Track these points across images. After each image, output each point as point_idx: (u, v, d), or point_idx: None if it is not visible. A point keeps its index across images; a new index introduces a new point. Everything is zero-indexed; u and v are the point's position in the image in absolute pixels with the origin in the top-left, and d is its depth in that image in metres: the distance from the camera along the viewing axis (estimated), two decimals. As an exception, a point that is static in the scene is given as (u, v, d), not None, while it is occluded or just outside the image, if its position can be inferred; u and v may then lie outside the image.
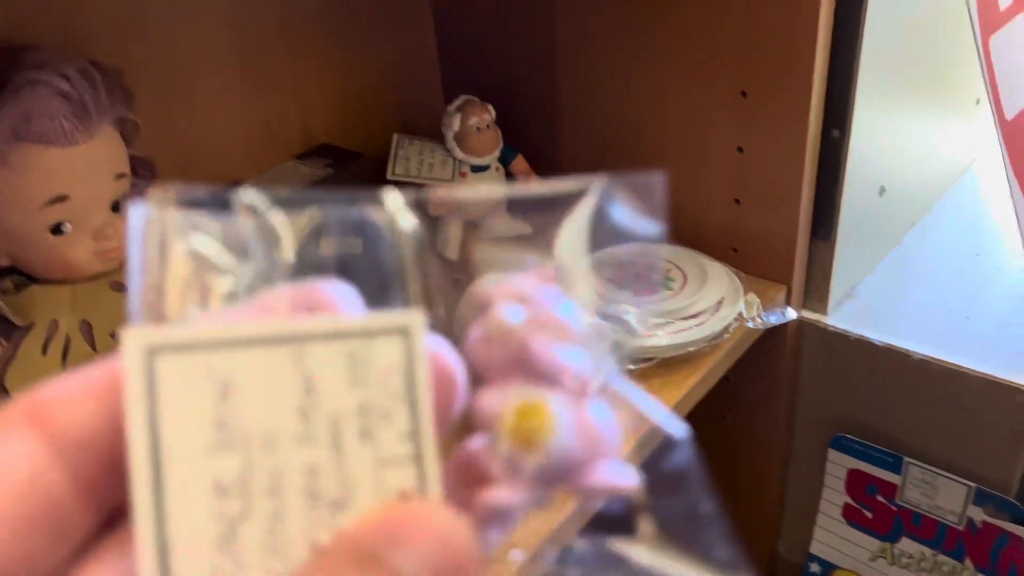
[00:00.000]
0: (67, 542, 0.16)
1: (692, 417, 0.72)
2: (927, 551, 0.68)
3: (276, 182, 0.62)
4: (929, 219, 0.77)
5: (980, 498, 0.63)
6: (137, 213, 0.18)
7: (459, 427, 0.19)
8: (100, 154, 0.48)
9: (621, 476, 0.19)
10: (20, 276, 0.49)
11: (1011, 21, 0.58)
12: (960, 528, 0.66)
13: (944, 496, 0.65)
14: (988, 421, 0.61)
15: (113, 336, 0.51)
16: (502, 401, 0.18)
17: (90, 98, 0.47)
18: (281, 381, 0.16)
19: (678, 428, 0.20)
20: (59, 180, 0.46)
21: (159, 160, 0.54)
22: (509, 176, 0.70)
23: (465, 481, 0.19)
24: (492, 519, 0.18)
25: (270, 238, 0.18)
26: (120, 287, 0.51)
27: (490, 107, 0.67)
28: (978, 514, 0.64)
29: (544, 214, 0.20)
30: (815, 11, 0.53)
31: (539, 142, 0.72)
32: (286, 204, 0.19)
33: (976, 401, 0.61)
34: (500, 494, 0.18)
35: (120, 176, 0.50)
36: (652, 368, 0.55)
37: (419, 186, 0.67)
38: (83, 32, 0.55)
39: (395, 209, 0.19)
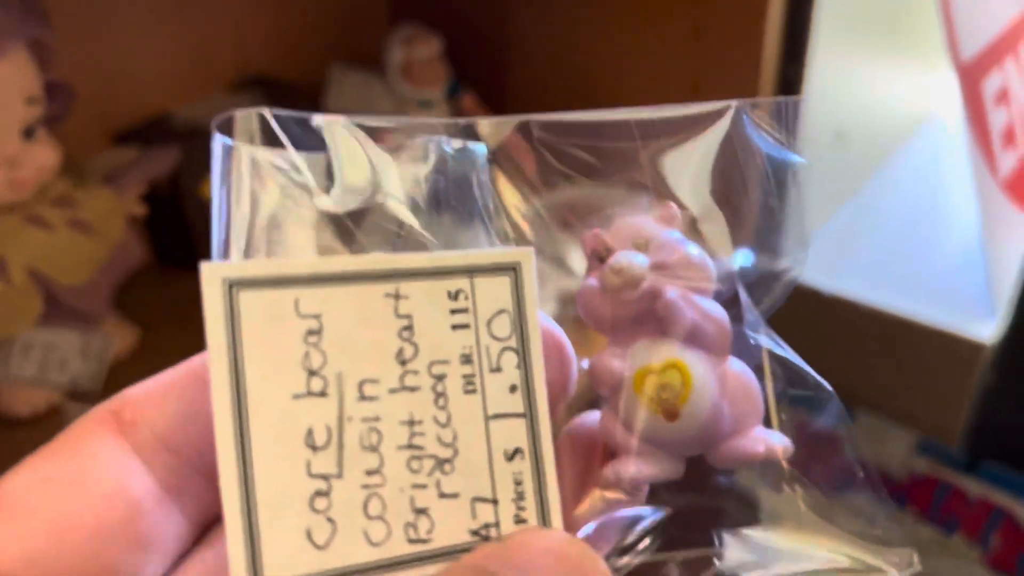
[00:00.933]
0: (157, 553, 0.15)
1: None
2: (870, 500, 0.69)
3: (204, 115, 0.59)
4: (889, 167, 0.76)
5: (924, 448, 0.64)
6: (221, 145, 0.16)
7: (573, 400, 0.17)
8: (9, 76, 0.45)
9: (771, 442, 0.16)
10: (-74, 206, 0.47)
11: (974, -41, 0.56)
12: (903, 478, 0.66)
13: (890, 446, 0.65)
14: (935, 372, 0.61)
15: (30, 273, 0.48)
16: (630, 362, 0.16)
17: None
18: (376, 322, 0.14)
19: (824, 386, 0.17)
20: (-38, 103, 0.44)
21: (78, 88, 0.51)
22: (457, 114, 0.68)
23: (584, 457, 0.17)
24: (618, 497, 0.16)
25: (365, 174, 0.16)
26: (37, 220, 0.49)
27: (437, 38, 0.64)
28: (921, 464, 0.64)
29: (655, 144, 0.18)
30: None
31: (487, 79, 0.69)
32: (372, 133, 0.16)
33: (924, 352, 0.61)
34: (632, 467, 0.15)
35: (32, 101, 0.47)
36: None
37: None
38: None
39: (485, 137, 0.17)
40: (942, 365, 0.60)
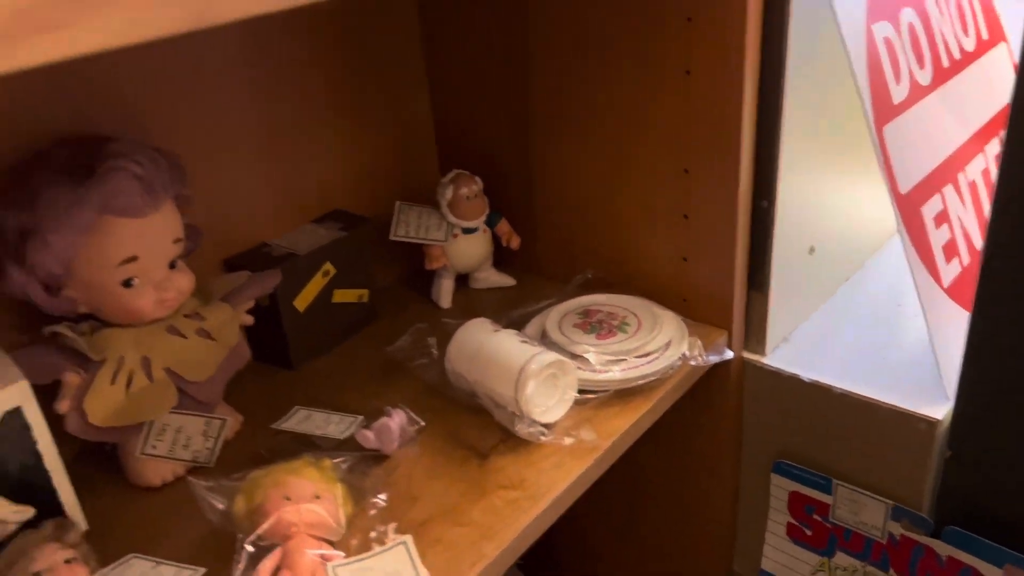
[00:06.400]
0: None
1: (654, 444, 0.83)
2: (857, 563, 0.79)
3: (296, 243, 0.74)
4: (860, 275, 0.89)
5: (897, 514, 0.74)
6: None
7: None
8: (163, 223, 0.60)
9: None
10: (95, 321, 0.61)
11: (903, 113, 0.70)
12: (883, 541, 0.76)
13: (867, 513, 0.76)
14: (899, 446, 0.72)
15: (168, 371, 0.62)
16: None
17: (157, 179, 0.59)
18: None
19: None
20: (132, 244, 0.58)
21: (200, 224, 0.66)
22: (495, 237, 0.82)
23: None
24: None
25: None
26: (174, 330, 0.63)
27: (478, 179, 0.79)
28: (896, 528, 0.74)
29: None
30: (739, 100, 0.65)
31: (518, 207, 0.84)
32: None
33: (888, 428, 0.72)
34: None
35: (177, 240, 0.61)
36: (609, 398, 0.67)
37: (417, 245, 0.79)
38: (140, 120, 0.67)
39: None
40: (904, 440, 0.71)
